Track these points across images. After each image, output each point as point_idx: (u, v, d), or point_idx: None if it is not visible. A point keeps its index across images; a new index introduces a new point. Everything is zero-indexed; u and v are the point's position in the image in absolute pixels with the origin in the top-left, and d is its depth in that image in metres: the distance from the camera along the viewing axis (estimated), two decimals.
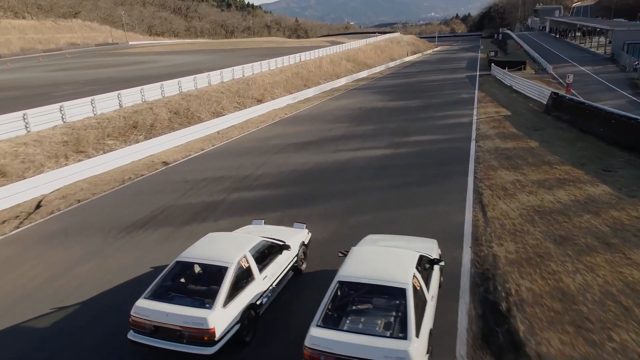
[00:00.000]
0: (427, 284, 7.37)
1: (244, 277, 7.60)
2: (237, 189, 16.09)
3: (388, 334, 6.28)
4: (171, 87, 30.73)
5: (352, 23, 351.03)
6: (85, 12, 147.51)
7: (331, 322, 6.55)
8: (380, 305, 6.86)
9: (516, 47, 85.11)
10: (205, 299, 7.16)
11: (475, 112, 28.47)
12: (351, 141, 22.43)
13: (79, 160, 19.21)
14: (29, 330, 8.29)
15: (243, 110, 31.43)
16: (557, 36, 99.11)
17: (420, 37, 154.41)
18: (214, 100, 31.44)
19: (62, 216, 14.19)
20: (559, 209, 12.56)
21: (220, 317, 6.85)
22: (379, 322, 6.54)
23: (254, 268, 7.90)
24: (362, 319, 6.64)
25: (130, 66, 54.61)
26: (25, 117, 20.67)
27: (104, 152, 20.50)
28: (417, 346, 5.91)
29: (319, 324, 6.37)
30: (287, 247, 8.93)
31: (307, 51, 58.35)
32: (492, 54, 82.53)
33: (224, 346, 6.85)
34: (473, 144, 20.23)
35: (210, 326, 6.65)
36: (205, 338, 6.64)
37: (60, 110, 22.47)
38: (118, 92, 26.29)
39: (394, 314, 6.64)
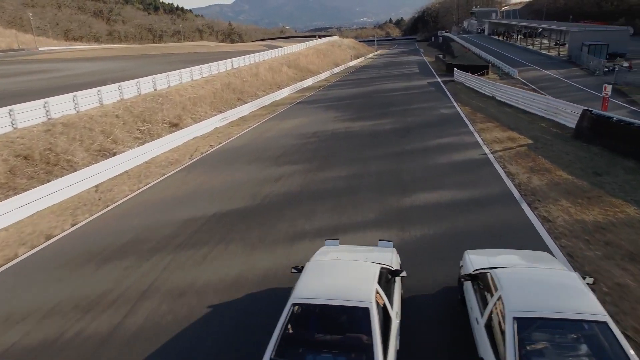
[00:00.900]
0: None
1: (382, 318, 5.71)
2: None
3: None
4: (32, 113, 19.72)
5: (287, 27, 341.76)
6: None
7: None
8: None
9: (464, 50, 79.50)
10: (353, 354, 5.36)
11: (479, 138, 19.97)
12: (316, 212, 12.72)
13: None
14: None
15: (148, 143, 20.96)
16: (501, 38, 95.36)
17: (359, 41, 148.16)
18: (101, 130, 20.76)
19: None
20: None
21: None
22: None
23: (387, 304, 6.05)
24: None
25: (25, 76, 41.64)
26: None
27: None
28: None
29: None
30: (399, 273, 7.04)
31: (242, 56, 48.19)
32: (441, 56, 76.67)
33: None
34: (533, 216, 11.36)
35: None
36: None
37: None
38: None
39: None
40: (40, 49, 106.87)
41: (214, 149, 21.72)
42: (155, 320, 7.98)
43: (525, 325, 5.11)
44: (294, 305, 5.88)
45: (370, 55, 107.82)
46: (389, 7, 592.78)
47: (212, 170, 17.83)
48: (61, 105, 21.21)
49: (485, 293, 6.18)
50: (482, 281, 6.41)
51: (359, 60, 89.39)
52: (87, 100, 23.09)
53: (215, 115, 29.29)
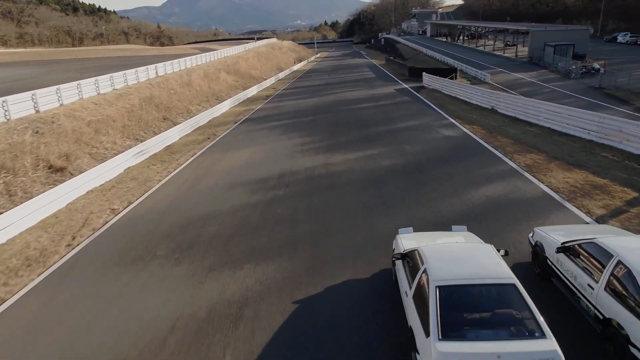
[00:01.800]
0: None
1: None
2: None
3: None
4: None
5: (221, 30, 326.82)
6: None
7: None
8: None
9: (415, 52, 73.98)
10: (513, 327, 5.27)
11: (544, 186, 12.54)
12: None
13: None
14: None
15: None
16: (447, 39, 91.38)
17: (298, 44, 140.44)
18: None
19: None
20: None
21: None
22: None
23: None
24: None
25: None
26: None
27: None
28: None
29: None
30: (507, 252, 7.17)
31: (171, 60, 38.58)
32: (392, 58, 70.62)
33: None
34: None
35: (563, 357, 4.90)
36: None
37: None
38: None
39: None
40: None
41: (115, 218, 12.75)
42: None
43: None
44: (438, 287, 5.60)
45: (312, 58, 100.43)
46: (322, 10, 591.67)
47: (87, 295, 8.96)
48: None
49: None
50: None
51: (302, 63, 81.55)
52: None
53: (130, 146, 20.10)
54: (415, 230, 8.59)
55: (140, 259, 10.05)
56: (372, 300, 7.75)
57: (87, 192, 14.92)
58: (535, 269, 8.13)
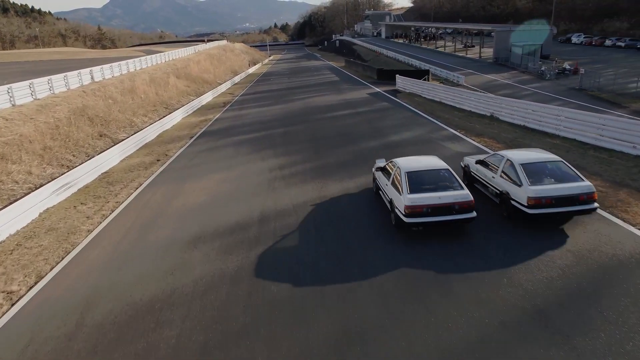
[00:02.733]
0: None
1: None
2: None
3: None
4: None
5: (167, 33, 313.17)
6: None
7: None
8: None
9: (374, 53, 71.05)
10: (448, 186, 9.56)
11: None
12: None
13: None
14: None
15: None
16: (403, 41, 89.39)
17: (250, 46, 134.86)
18: None
19: None
20: None
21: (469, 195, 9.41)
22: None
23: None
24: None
25: None
26: None
27: None
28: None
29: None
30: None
31: (110, 64, 32.89)
32: (352, 60, 67.25)
33: None
34: None
35: (471, 198, 9.25)
36: (471, 206, 9.20)
37: None
38: None
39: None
40: None
41: (10, 312, 7.95)
42: None
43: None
44: (407, 172, 9.77)
45: (266, 60, 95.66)
46: (270, 13, 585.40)
47: None
48: None
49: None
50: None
51: (257, 66, 76.67)
52: None
53: (52, 176, 14.92)
54: None
55: None
56: None
57: None
58: (464, 180, 11.15)
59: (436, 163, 10.35)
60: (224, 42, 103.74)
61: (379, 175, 11.46)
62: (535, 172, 9.52)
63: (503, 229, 9.65)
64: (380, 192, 11.39)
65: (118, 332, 7.06)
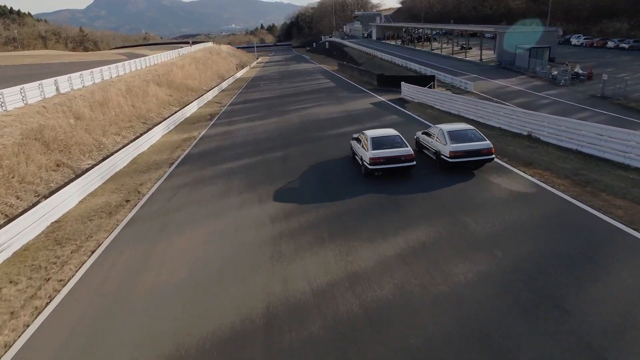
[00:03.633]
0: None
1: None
2: None
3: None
4: None
5: (152, 34, 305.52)
6: None
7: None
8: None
9: (368, 56, 67.47)
10: (397, 147, 13.78)
11: None
12: None
13: None
14: None
15: None
16: (395, 42, 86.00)
17: (236, 48, 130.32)
18: None
19: None
20: None
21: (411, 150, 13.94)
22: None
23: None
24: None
25: None
26: None
27: None
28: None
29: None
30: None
31: (82, 71, 28.73)
32: (345, 63, 63.56)
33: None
34: None
35: (412, 152, 13.77)
36: (412, 157, 13.70)
37: None
38: None
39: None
40: None
41: None
42: None
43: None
44: (371, 137, 14.11)
45: (254, 63, 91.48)
46: (256, 14, 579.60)
47: None
48: None
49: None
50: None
51: (245, 70, 72.55)
52: None
53: None
54: None
55: None
56: None
57: None
58: (416, 147, 16.11)
59: (391, 132, 14.78)
60: (210, 44, 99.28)
61: (354, 143, 15.86)
62: (456, 136, 13.91)
63: (435, 173, 14.21)
64: (355, 155, 15.64)
65: None
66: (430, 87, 35.14)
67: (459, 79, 37.28)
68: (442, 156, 14.01)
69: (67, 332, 7.59)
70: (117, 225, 12.22)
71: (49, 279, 9.45)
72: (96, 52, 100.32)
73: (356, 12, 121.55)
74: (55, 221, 12.72)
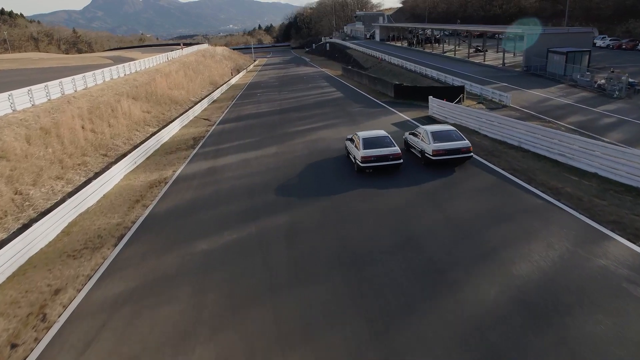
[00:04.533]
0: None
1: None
2: None
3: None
4: None
5: (148, 35, 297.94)
6: None
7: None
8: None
9: (374, 60, 61.14)
10: (386, 147, 15.13)
11: None
12: None
13: None
14: None
15: None
16: (401, 44, 79.64)
17: (232, 49, 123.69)
18: None
19: None
20: None
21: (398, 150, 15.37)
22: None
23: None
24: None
25: None
26: None
27: None
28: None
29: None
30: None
31: (32, 86, 22.37)
32: (350, 67, 57.33)
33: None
34: None
35: (400, 152, 15.19)
36: (399, 156, 15.10)
37: None
38: None
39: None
40: None
41: None
42: None
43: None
44: (363, 138, 15.49)
45: (251, 66, 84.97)
46: (254, 15, 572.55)
47: None
48: None
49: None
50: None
51: (241, 74, 66.10)
52: None
53: None
54: None
55: None
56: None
57: None
58: (405, 147, 17.60)
59: (381, 133, 16.25)
60: (205, 46, 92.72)
61: (348, 144, 17.39)
62: (438, 136, 15.51)
63: (420, 170, 15.56)
64: (349, 155, 17.09)
65: None
66: (459, 102, 28.96)
67: (490, 90, 31.07)
68: (426, 154, 15.49)
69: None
70: None
71: None
72: (82, 56, 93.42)
73: (357, 12, 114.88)
74: None
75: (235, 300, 8.61)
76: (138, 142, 22.57)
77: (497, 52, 55.22)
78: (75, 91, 27.07)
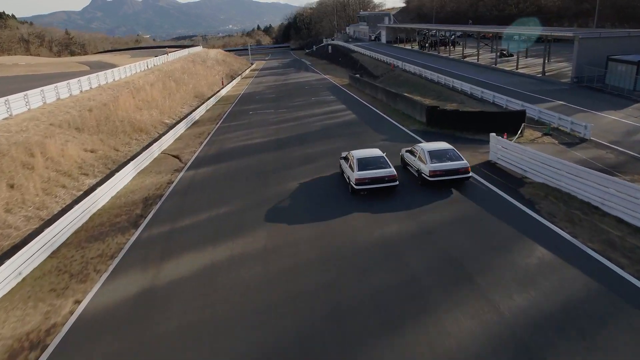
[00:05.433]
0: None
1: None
2: None
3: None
4: None
5: (146, 36, 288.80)
6: None
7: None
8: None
9: (386, 66, 52.81)
10: (381, 168, 14.71)
11: None
12: None
13: None
14: None
15: None
16: (411, 47, 71.29)
17: (228, 50, 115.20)
18: None
19: None
20: None
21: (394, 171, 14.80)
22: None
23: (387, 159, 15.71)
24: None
25: None
26: None
27: None
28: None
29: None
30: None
31: None
32: (358, 75, 49.22)
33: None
34: None
35: (395, 173, 14.63)
36: (395, 178, 14.59)
37: None
38: None
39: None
40: None
41: None
42: None
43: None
44: (357, 159, 14.94)
45: (247, 70, 76.50)
46: (253, 15, 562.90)
47: None
48: None
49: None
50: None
51: (234, 82, 57.75)
52: None
53: None
54: None
55: None
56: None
57: None
58: (401, 164, 17.22)
59: (376, 153, 15.63)
60: (198, 48, 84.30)
61: (342, 162, 16.61)
62: (436, 155, 14.99)
63: (416, 190, 15.07)
64: (344, 174, 16.30)
65: None
66: (520, 134, 20.80)
67: (555, 115, 22.80)
68: (423, 175, 15.06)
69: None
70: None
71: None
72: (57, 60, 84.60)
73: (361, 12, 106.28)
74: None
75: None
76: (57, 208, 14.37)
77: (527, 57, 46.95)
78: None
